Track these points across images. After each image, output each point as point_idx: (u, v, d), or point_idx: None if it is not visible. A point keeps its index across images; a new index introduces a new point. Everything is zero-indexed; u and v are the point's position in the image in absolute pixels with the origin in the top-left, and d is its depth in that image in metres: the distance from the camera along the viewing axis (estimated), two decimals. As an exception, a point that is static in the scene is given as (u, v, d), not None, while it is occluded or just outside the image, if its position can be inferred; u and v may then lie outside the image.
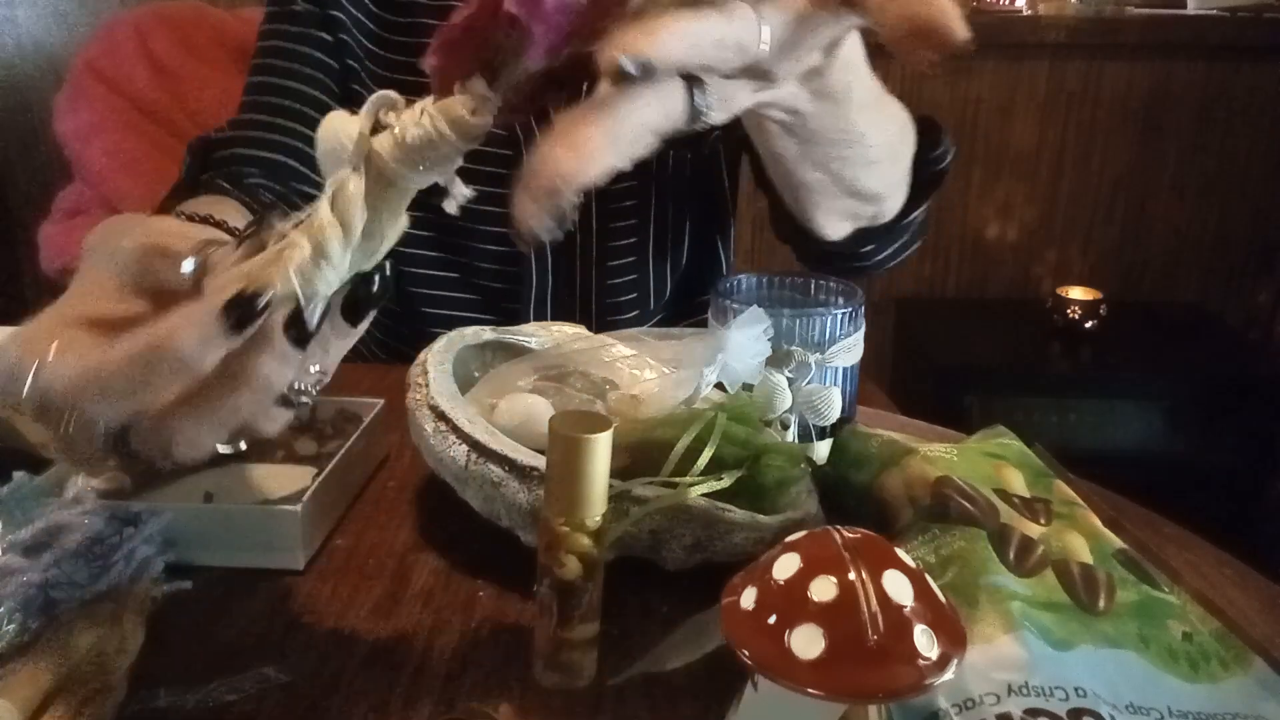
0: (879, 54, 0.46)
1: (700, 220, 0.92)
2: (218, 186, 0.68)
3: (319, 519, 0.57)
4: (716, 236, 0.95)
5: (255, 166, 0.75)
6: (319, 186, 0.71)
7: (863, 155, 0.57)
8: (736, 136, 0.90)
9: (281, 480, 0.61)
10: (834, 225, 0.66)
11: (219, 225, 0.55)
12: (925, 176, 0.67)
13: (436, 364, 0.59)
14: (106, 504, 0.53)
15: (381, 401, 0.66)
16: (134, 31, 1.23)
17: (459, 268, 0.87)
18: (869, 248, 0.72)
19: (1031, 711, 0.41)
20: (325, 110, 0.78)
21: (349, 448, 0.60)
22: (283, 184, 0.75)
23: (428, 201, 0.82)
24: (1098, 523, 0.55)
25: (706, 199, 0.92)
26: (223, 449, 0.60)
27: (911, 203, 0.68)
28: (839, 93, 0.49)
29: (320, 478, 0.56)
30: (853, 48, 0.48)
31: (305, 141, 0.76)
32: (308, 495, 0.54)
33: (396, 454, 0.68)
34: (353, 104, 0.81)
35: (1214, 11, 2.04)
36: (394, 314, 0.91)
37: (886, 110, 0.58)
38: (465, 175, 0.82)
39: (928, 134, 0.66)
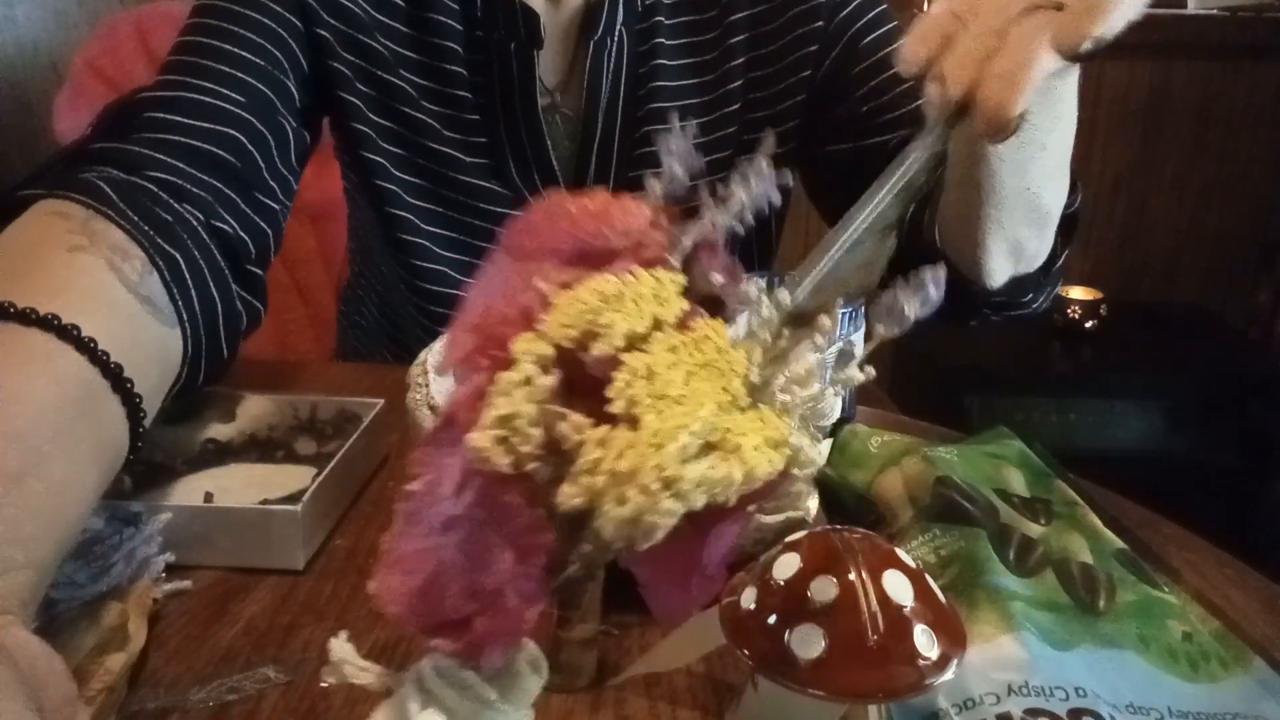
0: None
1: (744, 255, 0.91)
2: (97, 192, 0.55)
3: (319, 519, 0.57)
4: (755, 265, 0.93)
5: (166, 151, 0.63)
6: (238, 175, 0.66)
7: (1054, 154, 0.58)
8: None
9: (281, 480, 0.61)
10: (999, 263, 0.66)
11: (72, 339, 0.46)
12: (1060, 219, 0.67)
13: (436, 364, 0.58)
14: (106, 504, 0.53)
15: (381, 401, 0.66)
16: (135, 30, 1.23)
17: (467, 249, 0.84)
18: (1027, 296, 0.73)
19: (1031, 711, 0.41)
20: (266, 95, 0.69)
21: (349, 448, 0.60)
22: (197, 170, 0.63)
23: (438, 193, 0.81)
24: (1098, 523, 0.55)
25: (754, 241, 0.91)
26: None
27: (1054, 250, 0.70)
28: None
29: (320, 478, 0.56)
30: None
31: (234, 124, 0.67)
32: (308, 495, 0.54)
33: (396, 454, 0.68)
34: (319, 102, 0.77)
35: (1214, 11, 2.04)
36: (402, 301, 0.90)
37: (1072, 110, 0.58)
38: (475, 149, 0.80)
39: None
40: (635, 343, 0.27)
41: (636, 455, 0.25)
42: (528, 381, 0.26)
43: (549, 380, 0.27)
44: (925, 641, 0.34)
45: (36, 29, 2.08)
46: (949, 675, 0.34)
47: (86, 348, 0.46)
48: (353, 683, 0.31)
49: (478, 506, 0.27)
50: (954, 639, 0.35)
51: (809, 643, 0.34)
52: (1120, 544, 0.54)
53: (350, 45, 0.75)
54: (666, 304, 0.28)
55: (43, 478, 0.41)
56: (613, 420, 0.26)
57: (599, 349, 0.27)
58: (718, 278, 0.30)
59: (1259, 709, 0.43)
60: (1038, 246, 0.67)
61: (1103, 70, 2.07)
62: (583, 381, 0.27)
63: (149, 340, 0.53)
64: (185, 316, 0.56)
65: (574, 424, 0.26)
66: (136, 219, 0.55)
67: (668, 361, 0.27)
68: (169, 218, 0.58)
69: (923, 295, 0.29)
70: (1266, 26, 2.03)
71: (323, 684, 0.30)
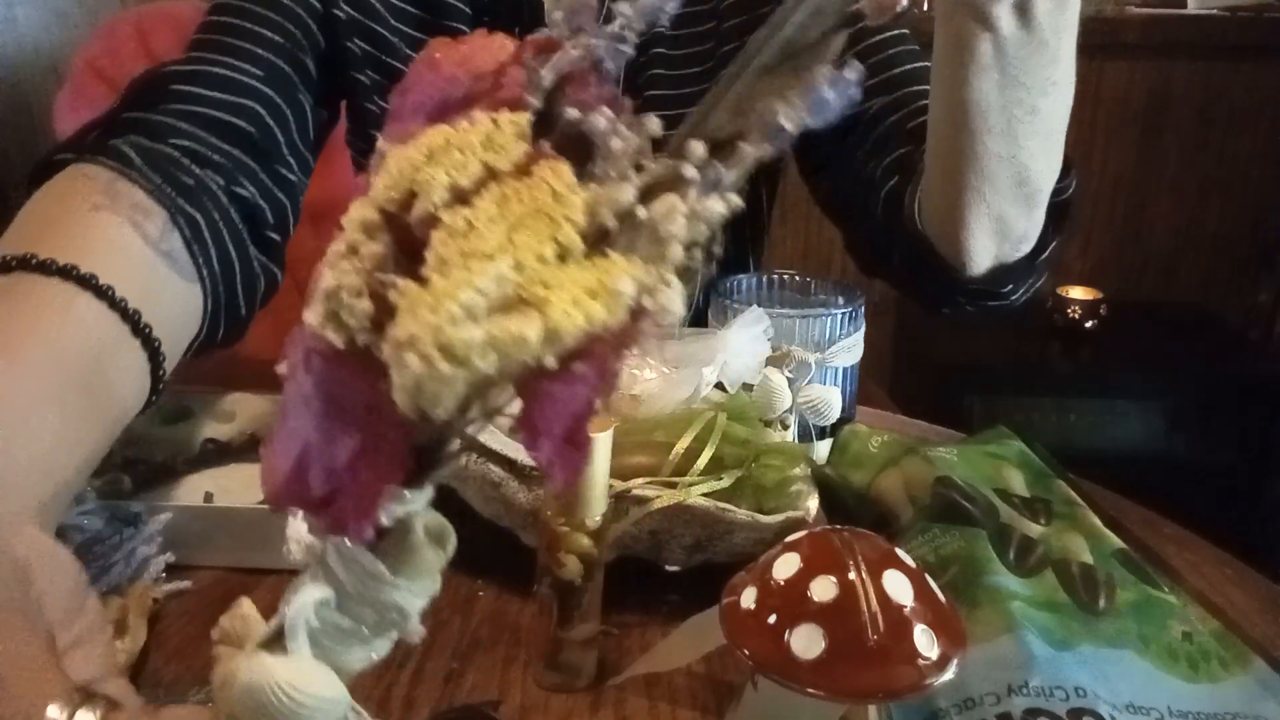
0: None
1: (736, 237, 0.93)
2: (122, 156, 0.58)
3: (319, 519, 0.57)
4: (749, 247, 0.95)
5: (189, 120, 0.65)
6: (257, 146, 0.68)
7: (1045, 123, 0.57)
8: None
9: (282, 480, 0.61)
10: (982, 243, 0.64)
11: (83, 283, 0.48)
12: (1050, 206, 0.66)
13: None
14: (106, 504, 0.53)
15: (381, 401, 0.66)
16: (135, 31, 1.23)
17: None
18: (1008, 287, 0.71)
19: (1031, 711, 0.41)
20: (285, 72, 0.71)
21: (349, 448, 0.60)
22: (217, 138, 0.66)
23: None
24: (1098, 523, 0.55)
25: (744, 218, 0.93)
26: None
27: (1042, 237, 0.67)
28: (1041, 23, 0.52)
29: (320, 478, 0.56)
30: None
31: (254, 97, 0.69)
32: (308, 495, 0.54)
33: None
34: (335, 81, 0.79)
35: (1214, 11, 2.04)
36: None
37: (1068, 79, 0.58)
38: None
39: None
40: (464, 198, 0.24)
41: (414, 320, 0.23)
42: (353, 251, 0.25)
43: (375, 247, 0.25)
44: (925, 641, 0.34)
45: (37, 30, 2.08)
46: (949, 675, 0.34)
47: (104, 294, 0.48)
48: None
49: (322, 384, 0.25)
50: (954, 639, 0.35)
51: (809, 643, 0.34)
52: (1120, 544, 0.54)
53: (361, 31, 0.77)
54: (500, 151, 0.25)
55: (61, 407, 0.43)
56: None
57: (419, 207, 0.24)
58: (573, 111, 0.26)
59: (1259, 709, 0.43)
60: (1025, 227, 0.65)
61: (1103, 70, 2.07)
62: (420, 245, 0.25)
63: (168, 293, 0.55)
64: (205, 274, 0.58)
65: (402, 290, 0.23)
66: (159, 181, 0.57)
67: (491, 214, 0.24)
68: (190, 181, 0.60)
69: (814, 99, 0.24)
70: (1266, 26, 2.03)
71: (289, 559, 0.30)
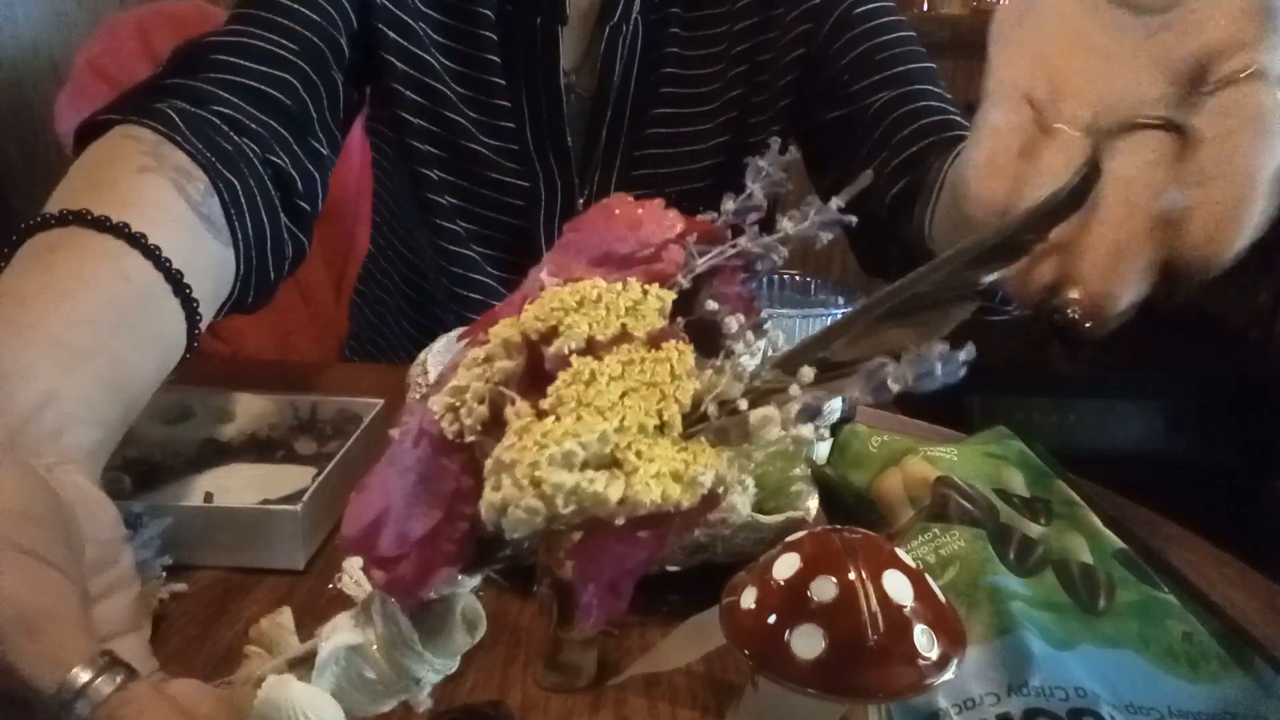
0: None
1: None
2: (166, 119, 0.60)
3: (319, 519, 0.57)
4: None
5: (228, 89, 0.67)
6: (292, 117, 0.70)
7: None
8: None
9: (281, 480, 0.61)
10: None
11: (134, 241, 0.50)
12: None
13: (436, 364, 0.59)
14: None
15: (381, 401, 0.66)
16: (136, 30, 1.23)
17: (475, 210, 0.89)
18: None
19: (1031, 711, 0.41)
20: (319, 48, 0.74)
21: (349, 448, 0.60)
22: (254, 108, 0.68)
23: (453, 162, 0.84)
24: (1098, 523, 0.55)
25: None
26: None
27: None
28: None
29: (320, 478, 0.56)
30: None
31: (290, 70, 0.71)
32: (308, 495, 0.54)
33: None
34: (366, 62, 0.81)
35: (1214, 11, 2.03)
36: (428, 266, 0.93)
37: None
38: (496, 111, 0.84)
39: None
40: (596, 349, 0.27)
41: (521, 449, 0.26)
42: (488, 360, 0.28)
43: (508, 364, 0.28)
44: (925, 641, 0.34)
45: (36, 29, 2.08)
46: (949, 675, 0.34)
47: (152, 253, 0.51)
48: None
49: (423, 463, 0.29)
50: (954, 639, 0.35)
51: (809, 643, 0.34)
52: (1120, 544, 0.54)
53: (389, 15, 0.79)
54: (640, 319, 0.28)
55: (109, 355, 0.46)
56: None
57: (557, 346, 0.27)
58: (712, 305, 0.29)
59: (1259, 709, 0.43)
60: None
61: (1103, 70, 2.06)
62: (546, 375, 0.28)
63: (207, 254, 0.57)
64: (240, 238, 0.61)
65: (517, 410, 0.27)
66: (201, 146, 0.60)
67: (614, 373, 0.27)
68: (229, 148, 0.62)
69: (922, 368, 0.26)
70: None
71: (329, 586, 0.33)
